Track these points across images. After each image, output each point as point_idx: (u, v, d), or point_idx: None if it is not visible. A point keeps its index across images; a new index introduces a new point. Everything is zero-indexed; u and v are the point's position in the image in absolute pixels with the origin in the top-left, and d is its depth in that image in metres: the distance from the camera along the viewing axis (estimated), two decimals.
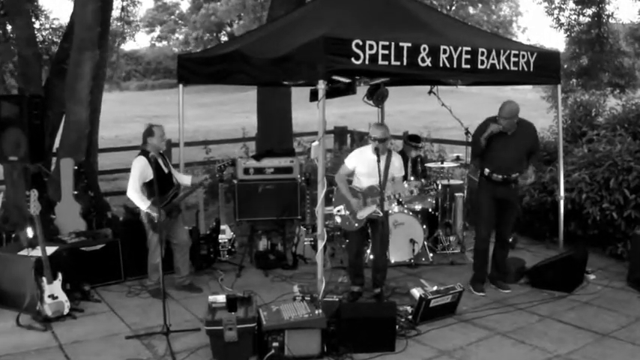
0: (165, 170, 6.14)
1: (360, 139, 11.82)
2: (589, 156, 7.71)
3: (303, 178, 7.54)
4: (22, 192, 7.37)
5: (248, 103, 22.39)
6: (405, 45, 5.48)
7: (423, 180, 6.17)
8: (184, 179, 6.44)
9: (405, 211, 7.18)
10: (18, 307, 5.60)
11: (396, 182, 5.96)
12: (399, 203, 7.17)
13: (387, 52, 5.38)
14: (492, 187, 6.21)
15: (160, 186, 5.57)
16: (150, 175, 5.78)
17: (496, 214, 6.32)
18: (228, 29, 54.59)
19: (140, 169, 5.89)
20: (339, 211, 6.00)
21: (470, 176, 7.39)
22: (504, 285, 6.43)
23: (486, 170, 6.19)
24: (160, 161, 6.08)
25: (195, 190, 6.47)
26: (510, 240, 7.87)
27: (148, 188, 5.86)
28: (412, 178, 7.00)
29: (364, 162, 5.88)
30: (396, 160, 5.98)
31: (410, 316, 5.50)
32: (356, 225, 5.93)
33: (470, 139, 6.56)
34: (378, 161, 5.61)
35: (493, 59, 6.08)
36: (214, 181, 6.68)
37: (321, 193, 5.38)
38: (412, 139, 7.85)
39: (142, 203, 5.89)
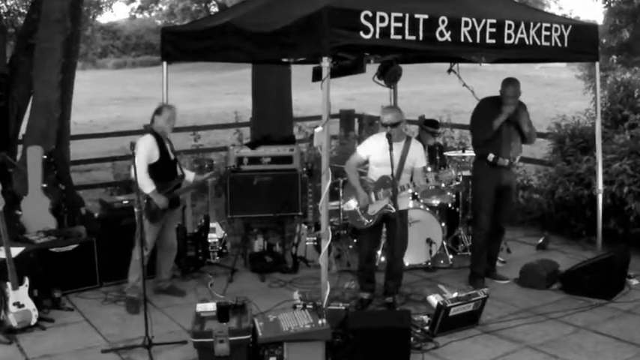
0: (172, 157, 6.20)
1: (370, 123, 11.79)
2: (631, 143, 7.69)
3: (304, 169, 7.52)
4: None
5: (241, 83, 22.40)
6: (422, 17, 5.46)
7: (442, 168, 6.19)
8: (187, 174, 6.44)
9: (422, 206, 7.16)
10: None
11: (415, 174, 5.95)
12: (415, 198, 7.15)
13: (400, 24, 5.36)
14: (496, 174, 6.47)
15: (164, 172, 5.91)
16: (156, 156, 5.95)
17: (495, 203, 6.55)
18: None
19: (147, 149, 5.93)
20: (349, 206, 5.99)
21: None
22: (501, 275, 6.80)
23: (491, 156, 6.42)
24: (167, 146, 6.15)
25: (195, 188, 6.52)
26: (541, 240, 7.91)
27: (152, 172, 5.90)
28: (429, 169, 6.96)
29: (379, 150, 5.86)
30: (416, 149, 5.96)
31: (427, 327, 5.50)
32: (367, 222, 5.91)
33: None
34: (390, 149, 5.59)
35: (522, 33, 6.08)
36: (218, 180, 6.82)
37: (325, 186, 5.36)
38: (429, 125, 7.80)
39: (149, 187, 5.88)
